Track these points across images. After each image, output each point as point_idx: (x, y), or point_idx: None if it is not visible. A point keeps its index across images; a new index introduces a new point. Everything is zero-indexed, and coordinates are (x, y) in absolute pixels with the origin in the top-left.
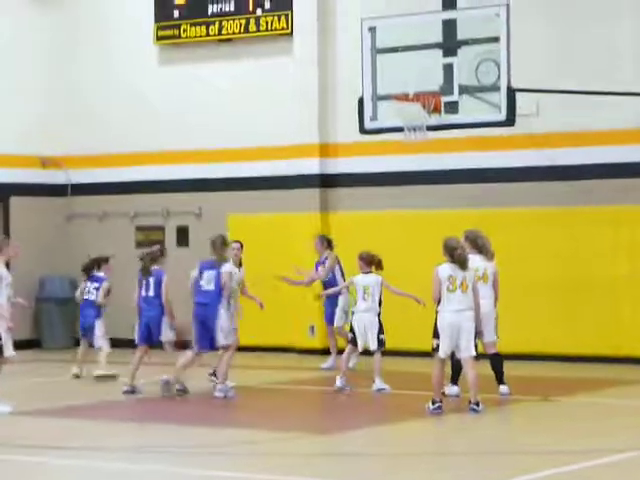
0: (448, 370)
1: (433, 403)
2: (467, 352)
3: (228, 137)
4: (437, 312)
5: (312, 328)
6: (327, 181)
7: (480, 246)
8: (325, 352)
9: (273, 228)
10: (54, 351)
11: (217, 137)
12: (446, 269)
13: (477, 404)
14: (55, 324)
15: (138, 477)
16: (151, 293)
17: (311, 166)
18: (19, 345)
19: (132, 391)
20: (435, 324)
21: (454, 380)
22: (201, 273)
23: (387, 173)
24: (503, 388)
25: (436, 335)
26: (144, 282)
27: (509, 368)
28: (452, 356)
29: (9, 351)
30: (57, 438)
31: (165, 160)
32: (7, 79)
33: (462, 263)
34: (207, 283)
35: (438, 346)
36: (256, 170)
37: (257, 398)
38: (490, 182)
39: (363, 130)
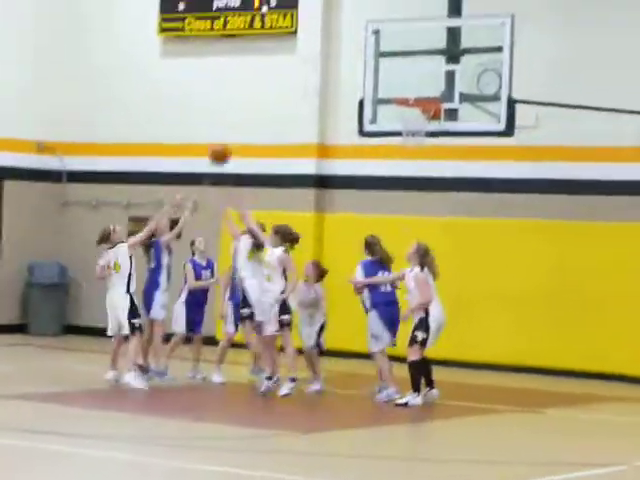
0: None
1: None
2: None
3: (227, 132)
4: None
5: None
6: (323, 182)
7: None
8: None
9: (266, 226)
10: (41, 337)
11: (216, 132)
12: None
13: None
14: (43, 310)
15: (120, 467)
16: None
17: (308, 166)
18: (6, 329)
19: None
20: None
21: (431, 384)
22: None
23: (384, 177)
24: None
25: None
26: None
27: (498, 379)
28: (425, 362)
29: None
30: (39, 423)
31: (162, 152)
32: (8, 61)
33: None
34: None
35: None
36: (252, 167)
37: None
38: (486, 192)
39: (362, 132)
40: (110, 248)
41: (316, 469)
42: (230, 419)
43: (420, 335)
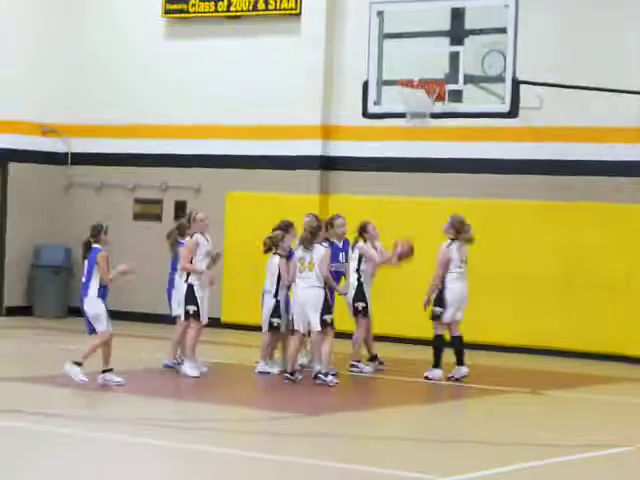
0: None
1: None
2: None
3: (232, 114)
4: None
5: None
6: (328, 163)
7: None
8: None
9: (271, 208)
10: (46, 319)
11: (221, 113)
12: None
13: None
14: (48, 292)
15: (127, 449)
16: None
17: (313, 148)
18: (12, 311)
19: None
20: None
21: (461, 361)
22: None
23: (388, 158)
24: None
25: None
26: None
27: (504, 360)
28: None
29: None
30: (48, 405)
31: (167, 134)
32: (10, 46)
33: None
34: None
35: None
36: (257, 149)
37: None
38: (490, 173)
39: (366, 114)
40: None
41: (326, 451)
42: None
43: (437, 310)
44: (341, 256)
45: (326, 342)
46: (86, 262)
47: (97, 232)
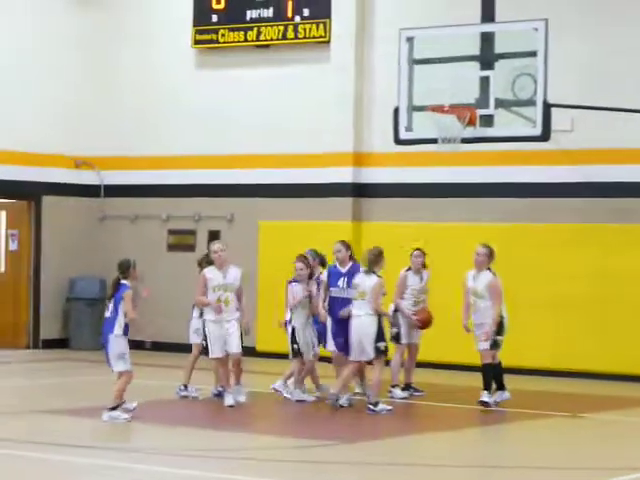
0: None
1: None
2: None
3: (262, 143)
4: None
5: None
6: (360, 190)
7: None
8: None
9: (304, 236)
10: (82, 351)
11: (252, 143)
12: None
13: None
14: (84, 324)
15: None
16: None
17: (344, 175)
18: (48, 344)
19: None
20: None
21: (502, 386)
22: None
23: (420, 184)
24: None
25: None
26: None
27: (543, 384)
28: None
29: None
30: (82, 437)
31: (198, 164)
32: (45, 79)
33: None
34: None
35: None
36: (289, 177)
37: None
38: (523, 197)
39: (398, 140)
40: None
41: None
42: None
43: (499, 338)
44: (341, 281)
45: (376, 370)
46: (113, 298)
47: (126, 268)
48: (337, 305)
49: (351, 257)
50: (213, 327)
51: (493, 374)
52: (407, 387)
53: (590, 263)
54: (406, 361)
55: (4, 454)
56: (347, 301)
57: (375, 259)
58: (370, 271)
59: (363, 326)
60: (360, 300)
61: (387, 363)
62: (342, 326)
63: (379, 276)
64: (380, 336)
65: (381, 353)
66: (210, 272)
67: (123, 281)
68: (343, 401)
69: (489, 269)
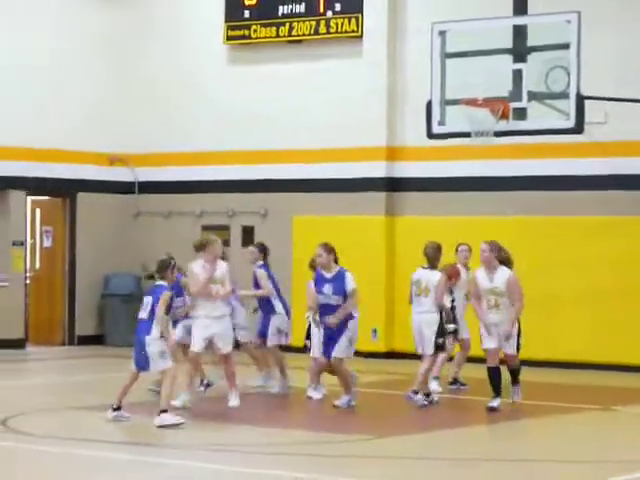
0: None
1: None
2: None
3: (295, 138)
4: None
5: (374, 331)
6: (393, 185)
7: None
8: (389, 355)
9: (338, 230)
10: (117, 347)
11: (284, 138)
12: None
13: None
14: (119, 321)
15: (201, 475)
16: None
17: (378, 169)
18: (83, 340)
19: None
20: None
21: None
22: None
23: (453, 178)
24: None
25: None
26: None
27: (572, 377)
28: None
29: None
30: (116, 433)
31: (232, 160)
32: (78, 77)
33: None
34: None
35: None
36: (322, 172)
37: (322, 401)
38: (556, 190)
39: (431, 134)
40: None
41: (392, 473)
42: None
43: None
44: (327, 288)
45: (426, 362)
46: (149, 298)
47: (165, 268)
48: (323, 312)
49: (336, 261)
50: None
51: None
52: (454, 381)
53: (623, 255)
54: (457, 356)
55: (40, 450)
56: (333, 308)
57: (435, 254)
58: (432, 267)
59: (425, 323)
60: (422, 297)
61: (450, 359)
62: (331, 334)
63: (440, 271)
64: (440, 332)
65: (439, 349)
66: (195, 267)
67: (160, 281)
68: (418, 398)
69: (505, 265)
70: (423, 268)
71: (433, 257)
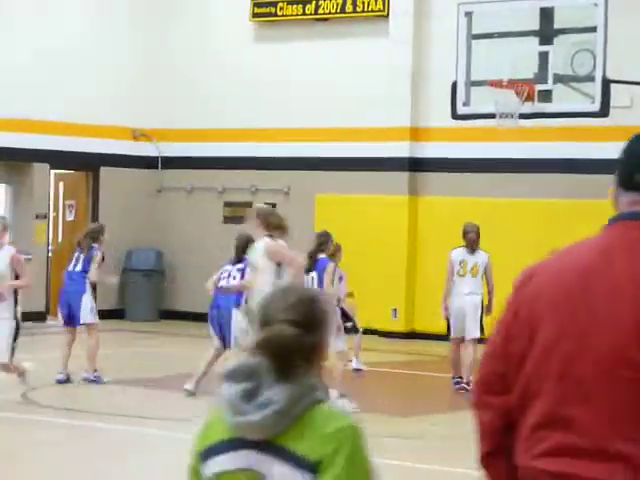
0: None
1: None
2: None
3: (320, 116)
4: None
5: (395, 311)
6: (417, 165)
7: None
8: (409, 336)
9: (361, 210)
10: (138, 322)
11: (309, 116)
12: None
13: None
14: (140, 296)
15: None
16: None
17: (401, 149)
18: (104, 315)
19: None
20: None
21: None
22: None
23: (477, 159)
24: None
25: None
26: None
27: None
28: None
29: None
30: (144, 407)
31: (256, 137)
32: (103, 51)
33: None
34: None
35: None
36: (346, 151)
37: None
38: (580, 173)
39: (455, 115)
40: None
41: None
42: None
43: None
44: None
45: (470, 348)
46: (314, 274)
47: (326, 241)
48: None
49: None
50: None
51: None
52: None
53: None
54: None
55: (61, 423)
56: None
57: (478, 236)
58: (475, 248)
59: (473, 305)
60: (470, 277)
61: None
62: None
63: (487, 254)
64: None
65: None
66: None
67: (321, 255)
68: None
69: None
70: (463, 248)
71: (475, 240)
